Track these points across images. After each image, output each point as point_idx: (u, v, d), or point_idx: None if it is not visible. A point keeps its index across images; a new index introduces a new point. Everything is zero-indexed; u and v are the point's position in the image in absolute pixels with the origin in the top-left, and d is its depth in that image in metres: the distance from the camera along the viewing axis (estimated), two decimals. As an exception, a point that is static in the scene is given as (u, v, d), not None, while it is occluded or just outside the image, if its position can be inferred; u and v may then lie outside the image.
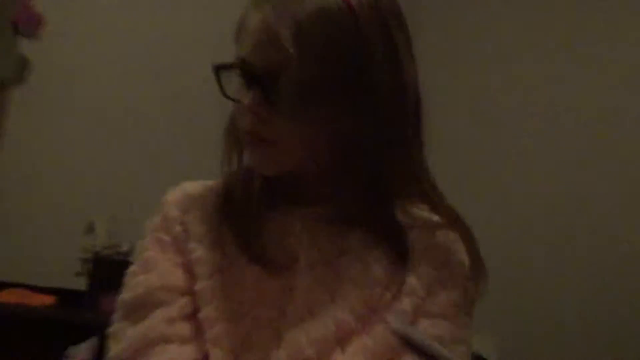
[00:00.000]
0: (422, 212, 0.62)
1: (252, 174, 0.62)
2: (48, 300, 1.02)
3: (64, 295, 1.06)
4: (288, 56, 0.53)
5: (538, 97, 2.13)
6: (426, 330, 0.60)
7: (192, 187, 0.67)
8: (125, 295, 0.59)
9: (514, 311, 1.88)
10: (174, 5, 1.57)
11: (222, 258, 0.61)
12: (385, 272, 0.60)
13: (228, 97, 0.60)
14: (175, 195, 0.65)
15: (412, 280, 0.59)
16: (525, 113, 2.14)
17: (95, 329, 0.82)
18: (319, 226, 0.61)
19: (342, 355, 0.58)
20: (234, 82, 0.59)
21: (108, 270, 1.01)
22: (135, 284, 0.59)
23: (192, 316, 0.58)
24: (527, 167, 2.05)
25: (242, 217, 0.61)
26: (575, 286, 1.84)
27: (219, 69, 0.60)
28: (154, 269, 0.60)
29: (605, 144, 1.95)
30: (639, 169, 1.88)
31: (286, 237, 0.61)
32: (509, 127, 2.14)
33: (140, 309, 0.58)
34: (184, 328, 0.56)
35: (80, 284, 1.04)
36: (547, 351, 1.84)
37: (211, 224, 0.62)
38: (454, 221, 0.62)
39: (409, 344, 0.53)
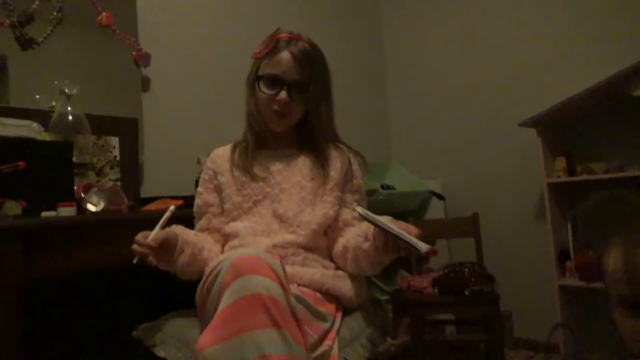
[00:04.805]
0: (333, 145, 1.28)
1: (248, 138, 1.29)
2: (178, 202, 1.42)
3: (188, 199, 1.47)
4: (305, 77, 1.20)
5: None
6: (353, 198, 1.27)
7: (218, 150, 1.33)
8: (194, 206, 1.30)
9: (454, 162, 2.82)
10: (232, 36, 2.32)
11: (233, 179, 1.24)
12: (317, 170, 1.24)
13: (263, 92, 1.21)
14: (210, 155, 1.32)
15: (332, 173, 1.23)
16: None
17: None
18: (283, 156, 1.27)
19: (307, 214, 1.18)
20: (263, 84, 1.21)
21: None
22: (195, 202, 1.29)
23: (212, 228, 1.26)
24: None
25: (242, 156, 1.26)
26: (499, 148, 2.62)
27: (260, 78, 1.23)
28: (199, 196, 1.28)
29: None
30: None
31: (267, 162, 1.26)
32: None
33: (197, 215, 1.29)
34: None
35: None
36: (473, 190, 2.73)
37: (227, 165, 1.26)
38: (349, 147, 1.31)
39: (367, 219, 0.97)
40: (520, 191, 2.54)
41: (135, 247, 1.01)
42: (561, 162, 2.16)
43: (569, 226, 2.18)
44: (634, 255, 0.62)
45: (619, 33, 2.20)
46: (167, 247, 1.09)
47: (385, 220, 1.01)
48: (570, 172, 2.18)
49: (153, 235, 1.04)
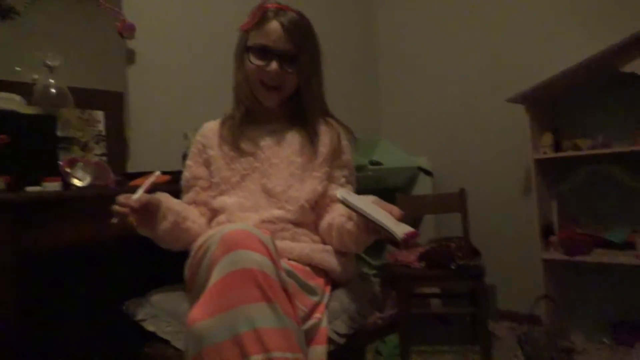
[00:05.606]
0: (323, 121, 1.26)
1: (237, 113, 1.26)
2: (166, 177, 1.40)
3: (175, 173, 1.46)
4: (295, 47, 1.17)
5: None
6: (342, 174, 1.26)
7: (209, 123, 1.32)
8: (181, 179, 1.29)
9: (442, 138, 2.87)
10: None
11: (222, 153, 1.23)
12: (307, 146, 1.23)
13: (253, 63, 1.19)
14: (201, 129, 1.32)
15: (321, 149, 1.23)
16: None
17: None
18: (272, 131, 1.26)
19: (296, 190, 1.18)
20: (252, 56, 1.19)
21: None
22: (183, 175, 1.28)
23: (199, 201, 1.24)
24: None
25: (231, 131, 1.24)
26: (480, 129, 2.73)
27: (249, 49, 1.20)
28: (188, 169, 1.27)
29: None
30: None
31: (256, 137, 1.25)
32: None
33: (184, 188, 1.27)
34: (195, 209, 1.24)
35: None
36: (461, 166, 2.78)
37: (216, 139, 1.25)
38: (339, 121, 1.29)
39: (347, 205, 0.99)
40: (507, 167, 2.56)
41: (116, 207, 0.99)
42: (548, 138, 2.18)
43: (555, 202, 2.22)
44: None
45: (608, 9, 2.20)
46: (149, 211, 1.07)
47: (369, 201, 1.01)
48: (557, 148, 2.20)
49: (136, 196, 1.02)
